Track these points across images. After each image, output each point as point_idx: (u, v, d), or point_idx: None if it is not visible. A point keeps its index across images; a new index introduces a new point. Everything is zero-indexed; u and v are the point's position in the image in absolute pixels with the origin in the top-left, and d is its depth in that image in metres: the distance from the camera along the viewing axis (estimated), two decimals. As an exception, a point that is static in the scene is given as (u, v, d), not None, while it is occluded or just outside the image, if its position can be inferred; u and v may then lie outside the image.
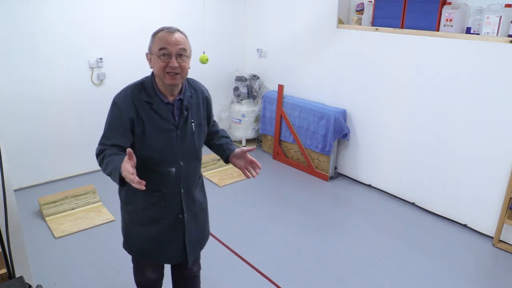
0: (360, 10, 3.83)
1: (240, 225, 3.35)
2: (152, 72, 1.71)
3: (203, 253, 2.12)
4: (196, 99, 1.80)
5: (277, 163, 4.65)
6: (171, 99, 1.70)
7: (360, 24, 3.79)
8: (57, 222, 3.29)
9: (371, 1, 3.67)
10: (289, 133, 4.50)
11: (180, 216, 1.81)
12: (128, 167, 1.39)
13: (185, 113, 1.72)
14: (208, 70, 4.67)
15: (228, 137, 1.97)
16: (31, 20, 3.51)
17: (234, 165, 1.86)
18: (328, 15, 4.01)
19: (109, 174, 1.54)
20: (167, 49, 1.59)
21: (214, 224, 3.29)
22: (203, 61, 3.73)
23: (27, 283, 1.51)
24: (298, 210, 3.61)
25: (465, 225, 3.35)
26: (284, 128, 4.57)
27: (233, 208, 3.61)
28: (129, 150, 1.43)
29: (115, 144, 1.62)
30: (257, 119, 4.96)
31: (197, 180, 1.89)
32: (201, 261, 2.15)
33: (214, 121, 2.00)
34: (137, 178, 1.38)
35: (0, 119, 3.43)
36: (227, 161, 1.90)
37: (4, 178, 1.68)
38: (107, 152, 1.58)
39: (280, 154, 4.68)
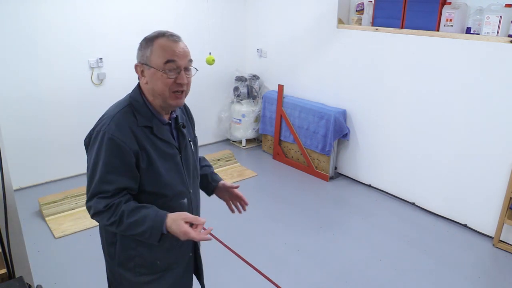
0: (360, 10, 3.83)
1: (240, 225, 3.34)
2: (139, 89, 1.39)
3: (203, 253, 2.12)
4: (185, 114, 1.57)
5: (277, 163, 4.65)
6: (167, 117, 1.43)
7: (360, 24, 3.79)
8: (57, 222, 3.29)
9: (371, 1, 3.66)
10: (289, 133, 4.50)
11: (191, 254, 1.56)
12: (191, 231, 1.24)
13: (184, 131, 1.48)
14: (208, 70, 4.66)
15: (210, 166, 1.71)
16: (30, 20, 3.51)
17: (218, 196, 1.66)
18: (328, 15, 4.01)
19: (140, 234, 1.28)
20: (176, 62, 1.29)
21: (214, 224, 3.29)
22: (210, 62, 3.69)
23: (27, 283, 1.51)
24: (298, 210, 3.61)
25: (465, 225, 3.35)
26: (284, 128, 4.57)
27: (233, 208, 3.61)
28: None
29: (122, 187, 1.30)
30: (257, 119, 4.95)
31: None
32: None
33: None
34: (202, 235, 1.26)
35: (0, 119, 3.42)
36: (210, 193, 1.68)
37: (4, 178, 1.68)
38: (126, 208, 1.28)
39: (280, 154, 4.68)
